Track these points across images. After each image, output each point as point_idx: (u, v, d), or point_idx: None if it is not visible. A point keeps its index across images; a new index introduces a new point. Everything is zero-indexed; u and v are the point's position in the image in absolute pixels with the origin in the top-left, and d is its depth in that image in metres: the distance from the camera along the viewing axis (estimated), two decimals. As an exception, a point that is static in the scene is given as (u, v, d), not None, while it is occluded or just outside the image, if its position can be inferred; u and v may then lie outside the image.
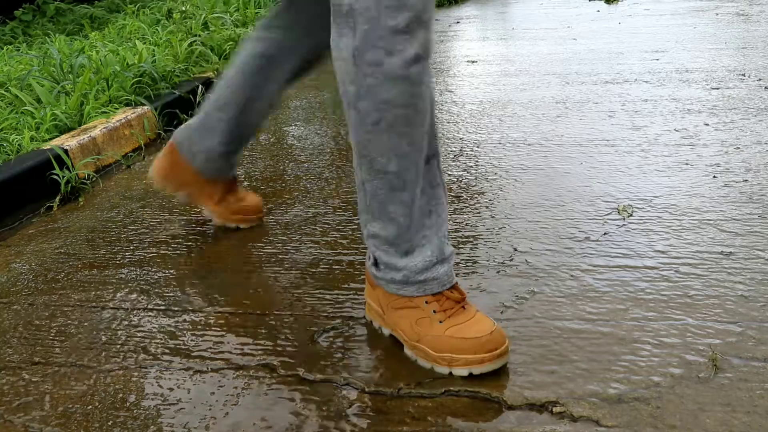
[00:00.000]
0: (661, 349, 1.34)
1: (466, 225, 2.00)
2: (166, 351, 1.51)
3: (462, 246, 1.87)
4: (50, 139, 2.82)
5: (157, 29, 4.87)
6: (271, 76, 1.86)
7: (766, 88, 3.23)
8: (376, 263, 1.41)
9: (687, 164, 2.31)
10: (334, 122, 3.36)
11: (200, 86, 3.71)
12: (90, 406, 1.34)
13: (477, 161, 2.54)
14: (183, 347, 1.51)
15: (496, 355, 1.29)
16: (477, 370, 1.29)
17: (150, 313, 1.68)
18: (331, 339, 1.49)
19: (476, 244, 1.87)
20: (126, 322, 1.64)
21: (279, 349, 1.47)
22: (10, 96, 3.27)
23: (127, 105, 3.32)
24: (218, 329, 1.57)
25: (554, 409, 1.21)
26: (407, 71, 1.20)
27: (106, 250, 2.08)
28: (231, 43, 4.47)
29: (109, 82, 3.40)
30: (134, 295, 1.78)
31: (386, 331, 1.46)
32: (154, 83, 3.53)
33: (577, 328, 1.44)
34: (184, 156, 1.99)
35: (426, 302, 1.36)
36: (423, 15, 1.18)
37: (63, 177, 2.55)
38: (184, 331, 1.58)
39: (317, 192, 2.38)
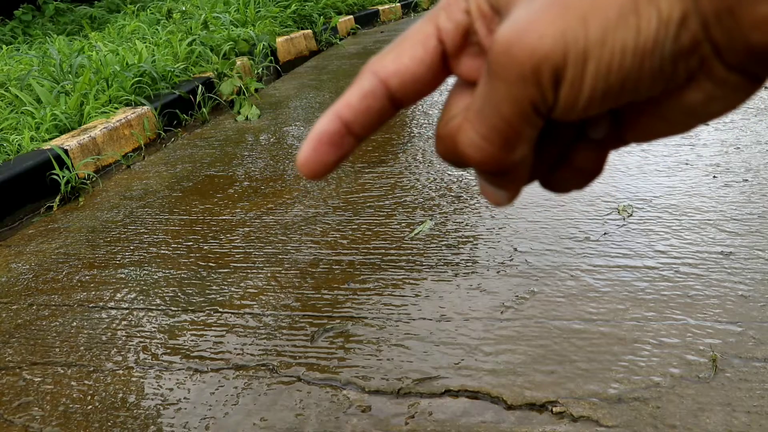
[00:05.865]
0: (661, 349, 1.34)
1: (466, 225, 2.00)
2: (166, 351, 1.51)
3: (462, 246, 1.86)
4: (50, 139, 2.82)
5: (157, 29, 4.87)
6: None
7: (766, 87, 3.23)
8: None
9: (687, 164, 2.31)
10: (334, 122, 3.35)
11: (200, 86, 3.71)
12: (90, 406, 1.34)
13: (477, 161, 2.54)
14: (183, 347, 1.51)
15: None
16: None
17: (150, 313, 1.68)
18: (331, 339, 1.49)
19: (476, 244, 1.87)
20: (126, 322, 1.64)
21: (279, 349, 1.47)
22: (10, 96, 3.27)
23: (127, 105, 3.32)
24: (218, 329, 1.57)
25: (554, 409, 1.21)
26: None
27: (106, 250, 2.08)
28: (231, 43, 4.47)
29: (109, 82, 3.40)
30: (134, 295, 1.78)
31: None
32: (154, 83, 3.53)
33: (577, 328, 1.44)
34: None
35: None
36: None
37: (63, 177, 2.55)
38: (184, 331, 1.58)
39: (317, 192, 2.38)
